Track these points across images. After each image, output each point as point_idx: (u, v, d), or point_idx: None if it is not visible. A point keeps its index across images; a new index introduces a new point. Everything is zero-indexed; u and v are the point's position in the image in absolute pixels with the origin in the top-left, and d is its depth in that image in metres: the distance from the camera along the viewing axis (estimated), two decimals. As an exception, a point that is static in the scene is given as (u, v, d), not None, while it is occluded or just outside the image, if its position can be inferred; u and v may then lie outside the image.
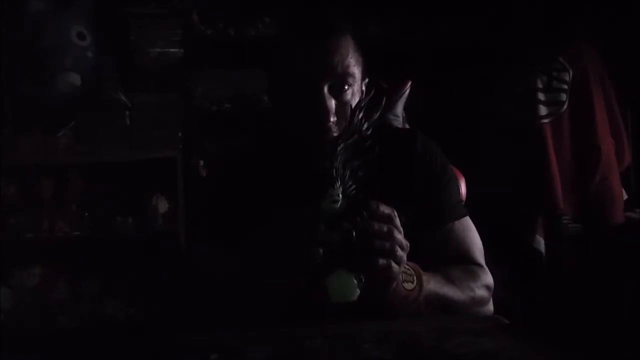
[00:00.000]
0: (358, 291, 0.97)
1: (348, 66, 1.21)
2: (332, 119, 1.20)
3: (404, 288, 1.10)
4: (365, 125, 1.21)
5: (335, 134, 1.20)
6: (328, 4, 1.36)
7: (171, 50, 2.81)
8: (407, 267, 1.11)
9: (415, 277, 1.12)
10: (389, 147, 1.28)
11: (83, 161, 2.69)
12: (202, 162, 2.80)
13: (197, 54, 2.84)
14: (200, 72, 2.88)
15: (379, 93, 1.32)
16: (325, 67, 1.20)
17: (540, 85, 2.69)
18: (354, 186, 1.05)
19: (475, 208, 1.37)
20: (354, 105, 1.21)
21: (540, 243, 2.68)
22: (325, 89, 1.19)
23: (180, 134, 2.80)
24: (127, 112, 2.74)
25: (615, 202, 2.73)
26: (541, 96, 2.69)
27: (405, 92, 2.32)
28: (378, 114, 1.25)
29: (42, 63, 2.57)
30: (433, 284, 1.15)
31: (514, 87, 2.77)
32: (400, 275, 1.08)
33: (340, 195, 1.03)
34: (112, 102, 2.71)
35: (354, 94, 1.23)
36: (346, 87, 1.21)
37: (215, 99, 2.92)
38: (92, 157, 2.67)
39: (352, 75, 1.22)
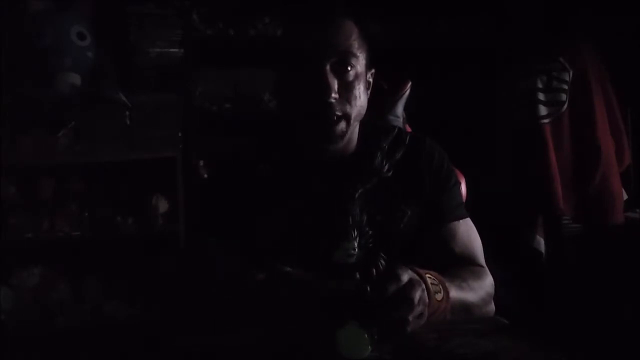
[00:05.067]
0: (369, 349, 0.94)
1: (351, 46, 1.22)
2: (334, 95, 1.19)
3: (436, 299, 1.08)
4: (386, 168, 1.21)
5: (338, 113, 1.20)
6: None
7: (171, 50, 2.81)
8: (432, 276, 1.10)
9: (441, 287, 1.11)
10: (403, 149, 1.30)
11: (83, 161, 2.68)
12: (202, 162, 2.80)
13: (197, 54, 2.84)
14: (200, 72, 2.88)
15: (401, 133, 1.34)
16: (327, 44, 1.20)
17: (540, 85, 2.69)
18: (371, 239, 1.03)
19: (475, 208, 1.38)
20: (357, 88, 1.23)
21: (540, 243, 2.68)
22: (328, 67, 1.19)
23: (180, 134, 2.80)
24: (127, 112, 2.73)
25: (615, 202, 2.73)
26: (541, 96, 2.69)
27: (405, 92, 2.32)
28: (400, 154, 1.26)
29: (42, 63, 2.56)
30: (454, 290, 1.15)
31: (514, 87, 2.77)
32: (432, 287, 1.07)
33: (356, 249, 1.00)
34: (112, 102, 2.70)
35: (357, 77, 1.23)
36: (349, 68, 1.21)
37: (215, 99, 2.91)
38: (92, 157, 2.66)
39: (355, 56, 1.22)
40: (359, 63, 1.24)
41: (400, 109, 2.32)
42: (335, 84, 1.19)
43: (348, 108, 1.22)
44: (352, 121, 1.23)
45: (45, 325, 2.53)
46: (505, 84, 2.82)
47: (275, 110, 2.81)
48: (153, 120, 2.74)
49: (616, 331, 2.35)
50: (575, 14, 2.79)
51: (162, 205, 2.75)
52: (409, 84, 2.28)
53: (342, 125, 1.22)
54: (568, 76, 2.70)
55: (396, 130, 1.35)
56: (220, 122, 2.89)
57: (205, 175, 2.71)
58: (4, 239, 2.50)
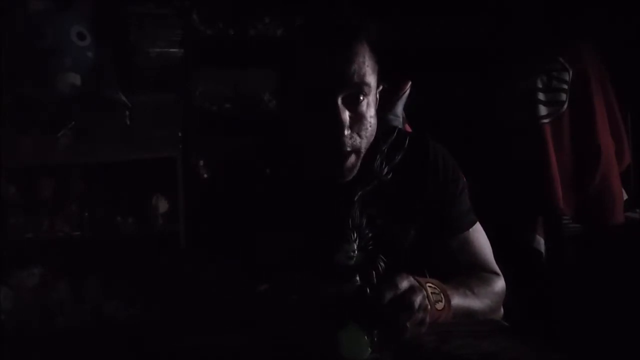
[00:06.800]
0: (369, 350, 0.94)
1: (364, 75, 1.15)
2: (347, 132, 1.13)
3: (436, 309, 1.08)
4: (386, 170, 1.20)
5: (348, 149, 1.15)
6: (343, 5, 1.27)
7: (171, 50, 2.80)
8: (433, 285, 1.10)
9: (443, 296, 1.11)
10: (402, 152, 1.28)
11: (83, 161, 2.68)
12: (202, 162, 2.80)
13: (197, 54, 2.84)
14: (200, 72, 2.88)
15: (401, 135, 1.31)
16: (340, 77, 1.14)
17: (540, 85, 2.69)
18: (371, 241, 1.02)
19: (475, 208, 1.38)
20: (369, 116, 1.18)
21: (540, 243, 2.68)
22: (340, 101, 1.13)
23: (180, 134, 2.80)
24: (127, 112, 2.73)
25: (615, 202, 2.72)
26: (541, 96, 2.69)
27: (405, 92, 2.32)
28: (400, 157, 1.25)
29: (42, 63, 2.56)
30: (457, 298, 1.15)
31: (514, 87, 2.77)
32: (432, 297, 1.07)
33: (356, 251, 1.00)
34: (112, 102, 2.70)
35: (369, 104, 1.18)
36: (361, 98, 1.16)
37: (215, 99, 2.91)
38: (92, 157, 2.66)
39: (368, 85, 1.16)
40: (371, 89, 1.18)
41: (400, 108, 2.32)
42: (347, 119, 1.14)
43: (358, 141, 1.17)
44: (361, 154, 1.19)
45: (45, 325, 2.54)
46: (505, 84, 2.81)
47: (276, 111, 2.81)
48: (153, 120, 2.74)
49: (616, 331, 2.35)
50: (575, 14, 2.78)
51: (162, 205, 2.75)
52: (409, 84, 2.28)
53: (352, 159, 1.18)
54: (568, 76, 2.70)
55: (396, 132, 1.32)
56: (220, 122, 2.89)
57: (206, 176, 2.71)
58: (4, 239, 2.51)
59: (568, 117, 2.70)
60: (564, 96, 2.69)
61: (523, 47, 2.78)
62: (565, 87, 2.69)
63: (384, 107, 1.63)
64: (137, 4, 2.78)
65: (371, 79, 1.17)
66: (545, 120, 2.67)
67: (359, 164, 1.20)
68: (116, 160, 2.68)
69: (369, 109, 1.18)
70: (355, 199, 1.20)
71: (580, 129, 2.70)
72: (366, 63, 1.16)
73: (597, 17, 2.77)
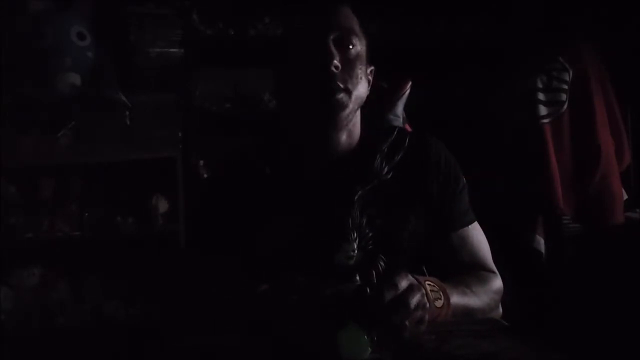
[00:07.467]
0: (369, 350, 0.94)
1: (352, 25, 1.23)
2: (336, 62, 1.18)
3: (435, 307, 1.08)
4: (386, 170, 1.21)
5: (340, 84, 1.18)
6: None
7: (171, 50, 2.80)
8: (432, 283, 1.10)
9: (442, 294, 1.11)
10: (402, 151, 1.29)
11: (83, 161, 2.68)
12: (202, 162, 2.80)
13: (197, 54, 2.84)
14: (200, 72, 2.88)
15: (401, 134, 1.32)
16: (329, 20, 1.21)
17: (540, 85, 2.69)
18: (370, 241, 1.02)
19: (475, 208, 1.38)
20: (359, 68, 1.21)
21: (540, 243, 2.68)
22: (330, 39, 1.19)
23: (180, 134, 2.80)
24: (127, 112, 2.73)
25: (615, 202, 2.73)
26: (541, 96, 2.69)
27: (405, 92, 2.32)
28: (400, 156, 1.25)
29: (42, 63, 2.56)
30: (456, 296, 1.15)
31: (514, 87, 2.77)
32: (431, 294, 1.07)
33: (356, 250, 1.00)
34: (112, 102, 2.70)
35: (359, 58, 1.22)
36: (351, 46, 1.21)
37: (215, 99, 2.91)
38: (92, 157, 2.66)
39: (357, 36, 1.22)
40: (360, 46, 1.23)
41: (400, 108, 2.32)
42: (336, 54, 1.19)
43: (349, 83, 1.20)
44: (352, 98, 1.21)
45: (45, 325, 2.54)
46: (505, 84, 2.82)
47: (276, 109, 2.81)
48: (153, 120, 2.74)
49: (616, 331, 2.35)
50: (575, 14, 2.78)
51: (162, 205, 2.74)
52: (409, 84, 2.28)
53: (344, 96, 1.19)
54: (568, 76, 2.70)
55: (396, 131, 1.33)
56: (220, 122, 2.89)
57: (205, 176, 2.71)
58: (4, 239, 2.50)
59: (568, 117, 2.70)
60: (564, 96, 2.70)
61: (523, 47, 2.79)
62: (565, 87, 2.70)
63: (384, 107, 1.63)
64: (137, 4, 2.78)
65: (360, 35, 1.23)
66: (545, 120, 2.68)
67: (350, 107, 1.21)
68: (116, 160, 2.68)
69: (360, 63, 1.22)
70: (355, 198, 1.20)
71: (580, 129, 2.70)
72: (354, 21, 1.23)
73: (597, 17, 2.77)
